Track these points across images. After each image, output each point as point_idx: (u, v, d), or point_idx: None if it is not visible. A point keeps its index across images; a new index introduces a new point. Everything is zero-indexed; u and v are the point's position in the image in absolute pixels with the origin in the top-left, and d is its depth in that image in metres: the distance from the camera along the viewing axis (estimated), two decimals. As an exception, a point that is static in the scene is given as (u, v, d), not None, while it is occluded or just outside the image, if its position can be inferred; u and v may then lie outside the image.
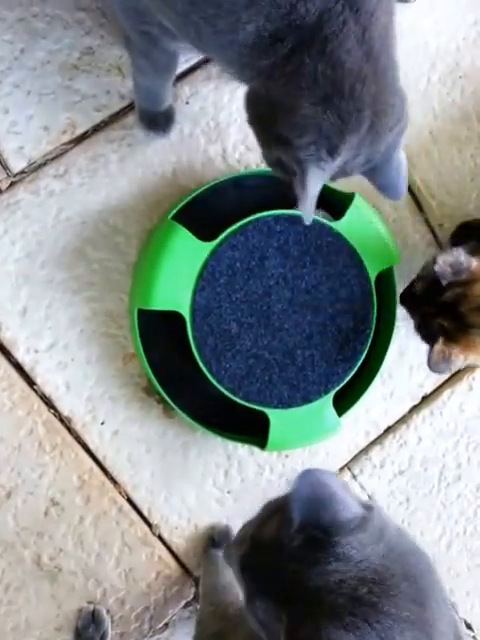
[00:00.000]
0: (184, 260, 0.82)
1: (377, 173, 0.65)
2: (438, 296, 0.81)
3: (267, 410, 0.86)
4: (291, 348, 0.86)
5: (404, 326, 1.01)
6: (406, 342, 1.01)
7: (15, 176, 0.85)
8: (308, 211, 0.61)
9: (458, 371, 1.04)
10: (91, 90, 0.87)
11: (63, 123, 0.86)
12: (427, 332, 0.85)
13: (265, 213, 0.84)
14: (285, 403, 0.86)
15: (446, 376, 1.04)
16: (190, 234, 0.81)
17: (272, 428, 0.86)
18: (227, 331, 0.84)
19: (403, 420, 1.02)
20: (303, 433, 0.89)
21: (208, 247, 0.82)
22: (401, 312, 0.99)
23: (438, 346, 0.82)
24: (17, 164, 0.85)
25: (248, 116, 0.62)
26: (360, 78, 0.56)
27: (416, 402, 1.03)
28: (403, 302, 0.89)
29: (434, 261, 0.81)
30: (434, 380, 1.04)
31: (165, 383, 0.85)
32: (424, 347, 1.01)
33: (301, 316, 0.86)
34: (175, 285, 0.81)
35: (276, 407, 0.86)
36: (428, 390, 1.04)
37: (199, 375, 0.84)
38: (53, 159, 0.86)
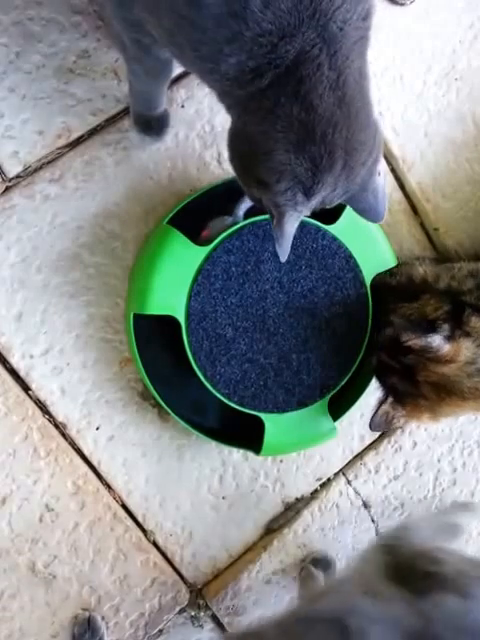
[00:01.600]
0: (179, 264, 0.81)
1: (355, 200, 0.67)
2: (400, 352, 0.79)
3: (262, 415, 0.86)
4: (286, 352, 0.86)
5: (400, 331, 1.01)
6: (402, 347, 1.01)
7: (10, 180, 0.85)
8: (284, 250, 0.64)
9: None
10: (87, 94, 0.86)
11: (58, 127, 0.85)
12: (380, 380, 0.85)
13: (260, 217, 0.84)
14: (280, 408, 0.86)
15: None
16: (186, 238, 0.81)
17: (267, 433, 0.86)
18: (222, 335, 0.83)
19: (399, 425, 1.02)
20: (298, 438, 0.89)
21: (203, 251, 0.82)
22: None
23: (385, 407, 0.83)
24: (12, 168, 0.84)
25: (229, 154, 0.64)
26: (331, 123, 0.57)
27: (412, 407, 1.03)
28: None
29: (402, 333, 0.78)
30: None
31: (160, 388, 0.85)
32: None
33: (296, 320, 0.86)
34: (170, 290, 0.81)
35: (271, 412, 0.86)
36: (424, 395, 1.04)
37: (194, 380, 0.84)
38: (48, 163, 0.86)
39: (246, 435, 0.88)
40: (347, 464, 1.00)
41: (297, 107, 0.56)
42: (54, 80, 0.85)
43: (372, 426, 0.86)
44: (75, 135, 0.86)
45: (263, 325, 0.85)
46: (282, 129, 0.57)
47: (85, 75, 0.86)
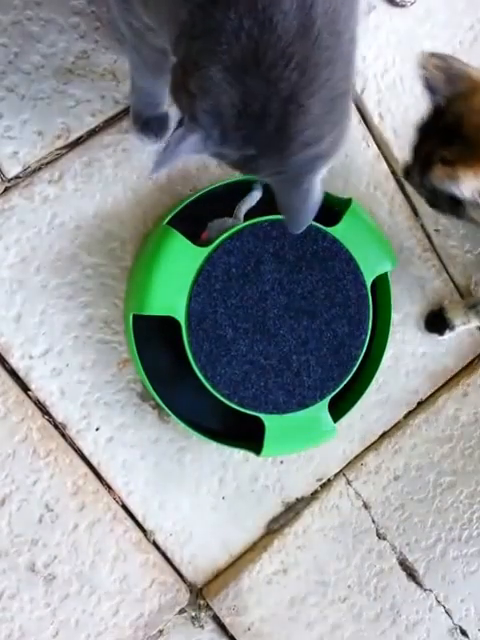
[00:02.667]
0: (179, 265, 0.81)
1: (280, 191, 0.56)
2: (436, 132, 0.66)
3: (262, 415, 0.86)
4: (287, 353, 0.86)
5: (400, 331, 1.01)
6: (402, 347, 1.01)
7: (9, 181, 0.85)
8: (160, 164, 0.52)
9: (454, 377, 1.05)
10: (86, 95, 0.86)
11: (58, 128, 0.85)
12: (426, 189, 0.69)
13: (261, 218, 0.84)
14: (280, 408, 0.86)
15: (441, 382, 1.04)
16: (185, 239, 0.81)
17: (267, 433, 0.86)
18: (222, 336, 0.83)
19: (398, 426, 1.02)
20: (298, 438, 0.89)
21: (203, 252, 0.82)
22: (397, 317, 0.99)
23: (437, 167, 0.66)
24: (11, 169, 0.84)
25: (172, 75, 0.54)
26: (286, 55, 0.44)
27: (411, 408, 1.03)
28: (406, 176, 0.76)
29: (422, 64, 0.66)
30: (430, 386, 1.04)
31: (160, 389, 0.85)
32: (421, 350, 1.02)
33: (297, 321, 0.86)
34: (170, 290, 0.81)
35: (271, 412, 0.86)
36: (423, 396, 1.04)
37: (194, 381, 0.84)
38: (48, 164, 0.86)
39: (246, 436, 0.88)
40: (347, 465, 1.00)
41: (250, 20, 0.44)
42: (53, 81, 0.85)
43: (436, 184, 0.67)
44: (74, 136, 0.86)
45: (263, 326, 0.85)
46: (226, 42, 0.45)
47: (84, 76, 0.86)
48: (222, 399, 0.84)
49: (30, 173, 0.85)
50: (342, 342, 0.87)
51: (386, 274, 0.91)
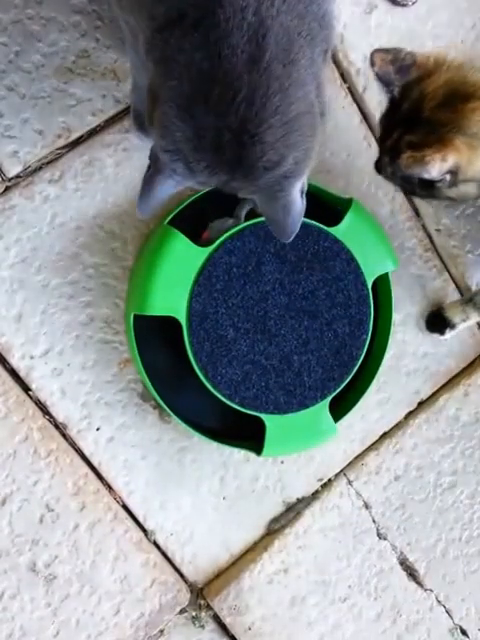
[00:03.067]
0: (180, 265, 0.81)
1: (263, 206, 0.59)
2: (395, 121, 0.69)
3: (263, 415, 0.86)
4: (287, 353, 0.86)
5: (400, 331, 1.01)
6: (402, 347, 1.01)
7: (10, 180, 0.85)
8: (143, 204, 0.56)
9: (454, 377, 1.04)
10: (86, 94, 0.86)
11: (58, 127, 0.85)
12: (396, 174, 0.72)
13: (262, 218, 0.83)
14: (281, 409, 0.86)
15: (442, 383, 1.04)
16: (186, 239, 0.81)
17: (268, 433, 0.86)
18: (223, 336, 0.83)
19: (399, 426, 1.02)
20: (299, 439, 0.89)
21: (204, 252, 0.82)
22: (397, 317, 0.99)
23: (405, 154, 0.69)
24: (12, 168, 0.84)
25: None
26: (233, 87, 0.45)
27: (412, 408, 1.03)
28: (378, 170, 0.78)
29: (371, 62, 0.69)
30: (430, 386, 1.04)
31: (161, 389, 0.85)
32: (422, 350, 1.02)
33: (297, 322, 0.86)
34: (171, 290, 0.81)
35: (272, 413, 0.86)
36: (424, 396, 1.04)
37: (195, 381, 0.83)
38: (48, 163, 0.85)
39: (247, 436, 0.88)
40: (348, 465, 1.00)
41: (201, 53, 0.45)
42: (54, 80, 0.84)
43: (405, 171, 0.69)
44: (75, 135, 0.86)
45: (264, 326, 0.85)
46: (177, 76, 0.47)
47: (85, 75, 0.86)
48: (223, 399, 0.84)
49: (31, 172, 0.85)
50: (343, 342, 0.87)
51: (387, 274, 0.91)
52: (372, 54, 0.71)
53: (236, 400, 0.84)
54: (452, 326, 0.98)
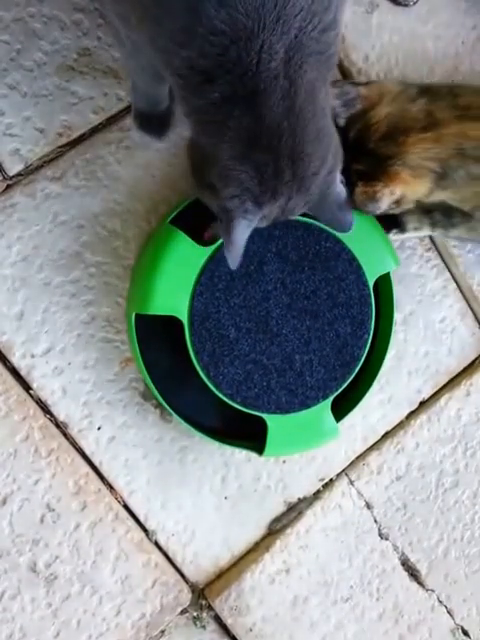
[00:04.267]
0: (182, 265, 0.81)
1: (319, 211, 0.68)
2: (344, 150, 0.73)
3: (265, 415, 0.85)
4: (289, 353, 0.86)
5: (402, 331, 1.01)
6: (404, 347, 1.01)
7: (11, 179, 0.84)
8: (233, 257, 0.65)
9: (456, 376, 1.04)
10: (88, 92, 0.86)
11: (60, 125, 0.85)
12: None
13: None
14: (283, 409, 0.86)
15: (443, 382, 1.04)
16: (188, 238, 0.81)
17: (270, 434, 0.85)
18: (225, 336, 0.83)
19: (401, 426, 1.02)
20: (301, 439, 0.88)
21: (206, 252, 0.81)
22: (399, 316, 0.99)
23: (359, 188, 0.77)
24: (13, 166, 0.84)
25: (189, 165, 0.66)
26: (277, 134, 0.57)
27: (414, 407, 1.03)
28: None
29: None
30: (432, 385, 1.04)
31: (162, 388, 0.84)
32: (422, 350, 1.02)
33: (299, 321, 0.86)
34: (173, 290, 0.81)
35: (274, 413, 0.85)
36: (426, 395, 1.03)
37: (197, 380, 0.83)
38: (50, 162, 0.85)
39: (249, 436, 0.88)
40: (350, 464, 1.00)
41: (248, 118, 0.56)
42: (55, 78, 0.84)
43: (360, 208, 0.77)
44: (77, 133, 0.86)
45: (266, 326, 0.85)
46: (229, 140, 0.58)
47: (86, 73, 0.85)
48: (225, 399, 0.84)
49: (32, 171, 0.85)
50: (345, 342, 0.87)
51: (388, 274, 0.91)
52: None
53: (238, 400, 0.84)
54: (402, 229, 0.94)
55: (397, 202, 0.78)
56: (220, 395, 0.84)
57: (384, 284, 0.91)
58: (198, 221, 0.83)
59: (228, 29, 0.51)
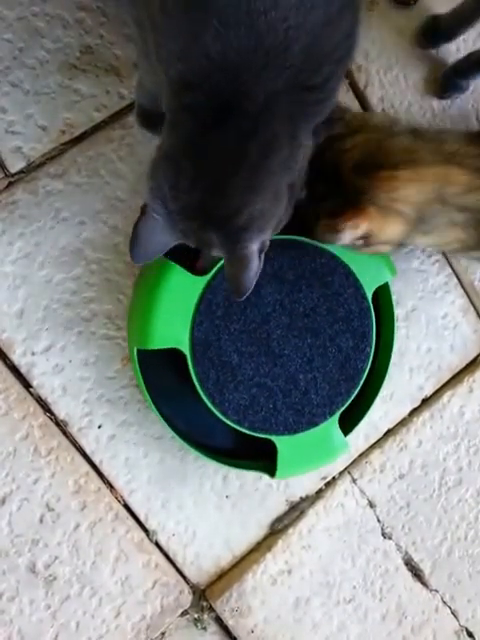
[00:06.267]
0: (179, 296, 0.80)
1: (225, 261, 0.67)
2: (316, 170, 0.69)
3: (274, 437, 0.85)
4: (293, 373, 0.85)
5: (404, 327, 1.01)
6: (406, 343, 1.01)
7: (13, 176, 0.84)
8: (134, 253, 0.66)
9: (458, 373, 1.04)
10: (90, 90, 0.86)
11: (62, 123, 0.85)
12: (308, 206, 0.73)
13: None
14: (291, 429, 0.85)
15: (445, 379, 1.04)
16: (183, 270, 0.80)
17: (280, 455, 0.85)
18: (228, 362, 0.83)
19: (403, 423, 1.01)
20: (312, 457, 0.87)
21: (202, 281, 0.81)
22: (401, 313, 1.00)
23: (322, 222, 0.73)
24: (15, 164, 0.84)
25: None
26: (215, 161, 0.58)
27: (416, 405, 1.02)
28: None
29: None
30: (434, 383, 1.03)
31: (171, 417, 0.84)
32: (424, 347, 1.02)
33: (301, 340, 0.85)
34: (172, 323, 0.80)
35: (282, 434, 0.85)
36: (428, 393, 1.03)
37: (204, 408, 0.83)
38: (52, 159, 0.85)
39: (259, 459, 0.88)
40: (352, 463, 0.99)
41: (200, 133, 0.58)
42: (58, 76, 0.85)
43: (320, 239, 0.75)
44: (79, 131, 0.86)
45: (268, 348, 0.84)
46: (173, 139, 0.60)
47: (89, 71, 0.86)
48: (232, 424, 0.83)
49: (34, 168, 0.85)
50: (347, 356, 0.87)
51: (387, 284, 0.90)
52: None
53: (245, 425, 0.84)
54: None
55: (365, 240, 0.72)
56: (227, 421, 0.83)
57: (383, 293, 0.91)
58: (188, 252, 0.82)
59: (218, 59, 0.54)
